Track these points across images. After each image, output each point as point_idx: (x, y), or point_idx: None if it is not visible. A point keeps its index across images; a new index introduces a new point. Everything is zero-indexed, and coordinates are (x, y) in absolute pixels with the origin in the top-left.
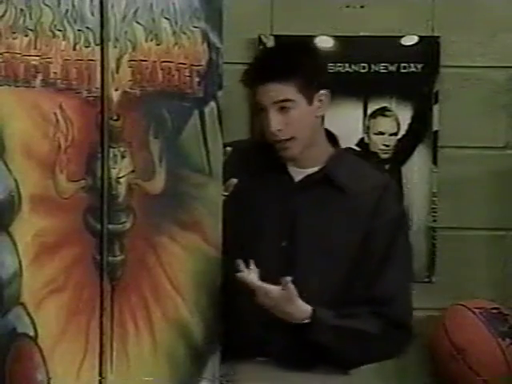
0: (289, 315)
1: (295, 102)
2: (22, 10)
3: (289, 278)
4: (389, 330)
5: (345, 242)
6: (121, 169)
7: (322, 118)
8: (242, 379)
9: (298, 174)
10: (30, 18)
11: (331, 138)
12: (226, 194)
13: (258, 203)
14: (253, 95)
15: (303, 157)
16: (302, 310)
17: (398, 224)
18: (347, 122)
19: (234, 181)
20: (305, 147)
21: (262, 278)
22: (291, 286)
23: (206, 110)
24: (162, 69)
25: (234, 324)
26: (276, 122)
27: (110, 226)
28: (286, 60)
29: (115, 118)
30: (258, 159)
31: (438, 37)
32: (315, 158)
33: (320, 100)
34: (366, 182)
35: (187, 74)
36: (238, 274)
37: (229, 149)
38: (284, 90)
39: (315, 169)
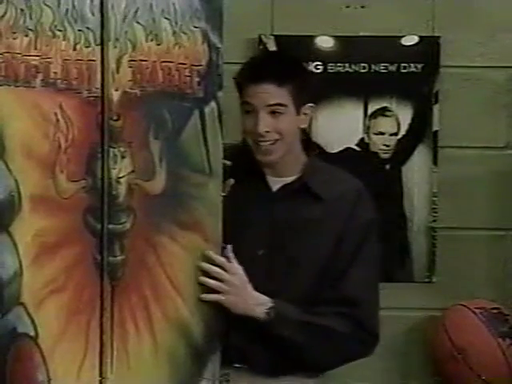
0: (247, 307)
1: (287, 107)
2: (22, 10)
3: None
4: (355, 331)
5: (320, 248)
6: (121, 169)
7: (304, 131)
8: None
9: (276, 183)
10: (31, 18)
11: (306, 145)
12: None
13: (236, 211)
14: (242, 95)
15: (280, 165)
16: (260, 300)
17: (368, 229)
18: (347, 121)
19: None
20: (284, 154)
21: None
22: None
23: (206, 110)
24: (162, 69)
25: None
26: (265, 123)
27: (110, 226)
28: (284, 64)
29: (115, 118)
30: (238, 166)
31: (438, 37)
32: (291, 166)
33: (305, 113)
34: (340, 188)
35: (187, 74)
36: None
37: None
38: (278, 93)
39: (292, 178)
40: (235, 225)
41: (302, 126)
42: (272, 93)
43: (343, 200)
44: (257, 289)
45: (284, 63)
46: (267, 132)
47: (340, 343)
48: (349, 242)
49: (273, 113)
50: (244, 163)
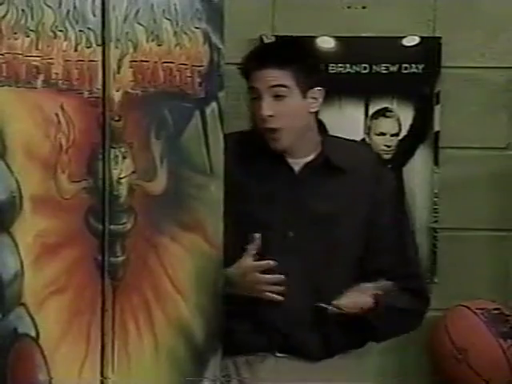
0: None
1: (290, 90)
2: (23, 10)
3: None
4: (414, 302)
5: (353, 221)
6: (122, 169)
7: (316, 114)
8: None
9: (296, 165)
10: (32, 19)
11: (320, 126)
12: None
13: (260, 196)
14: (248, 81)
15: (296, 148)
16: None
17: (397, 193)
18: (348, 122)
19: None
20: (296, 139)
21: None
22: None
23: (208, 110)
24: (163, 69)
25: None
26: (268, 107)
27: (112, 227)
28: (286, 49)
29: (116, 118)
30: (253, 151)
31: (439, 37)
32: (308, 147)
33: (314, 97)
34: (358, 158)
35: (188, 75)
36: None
37: None
38: (280, 76)
39: (311, 156)
40: (260, 208)
41: (313, 111)
42: (275, 76)
43: (363, 169)
44: (291, 271)
45: (287, 47)
46: (271, 116)
47: (407, 319)
48: (385, 211)
49: (277, 96)
50: (262, 145)
